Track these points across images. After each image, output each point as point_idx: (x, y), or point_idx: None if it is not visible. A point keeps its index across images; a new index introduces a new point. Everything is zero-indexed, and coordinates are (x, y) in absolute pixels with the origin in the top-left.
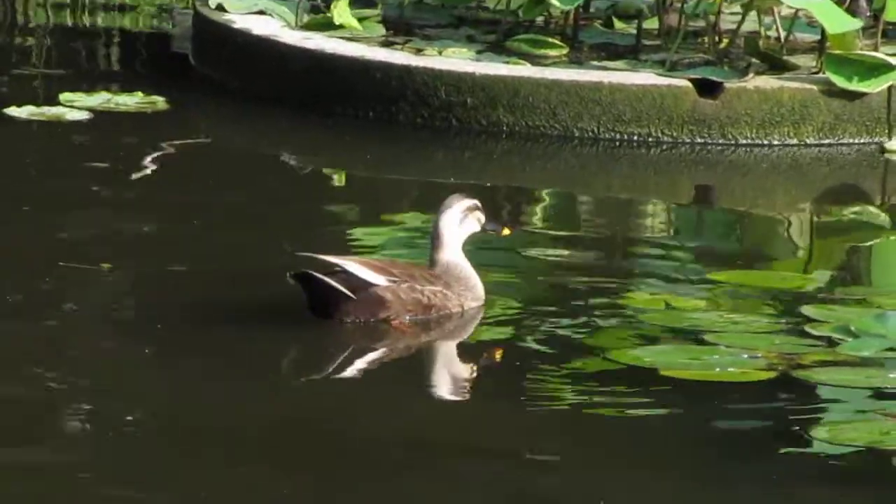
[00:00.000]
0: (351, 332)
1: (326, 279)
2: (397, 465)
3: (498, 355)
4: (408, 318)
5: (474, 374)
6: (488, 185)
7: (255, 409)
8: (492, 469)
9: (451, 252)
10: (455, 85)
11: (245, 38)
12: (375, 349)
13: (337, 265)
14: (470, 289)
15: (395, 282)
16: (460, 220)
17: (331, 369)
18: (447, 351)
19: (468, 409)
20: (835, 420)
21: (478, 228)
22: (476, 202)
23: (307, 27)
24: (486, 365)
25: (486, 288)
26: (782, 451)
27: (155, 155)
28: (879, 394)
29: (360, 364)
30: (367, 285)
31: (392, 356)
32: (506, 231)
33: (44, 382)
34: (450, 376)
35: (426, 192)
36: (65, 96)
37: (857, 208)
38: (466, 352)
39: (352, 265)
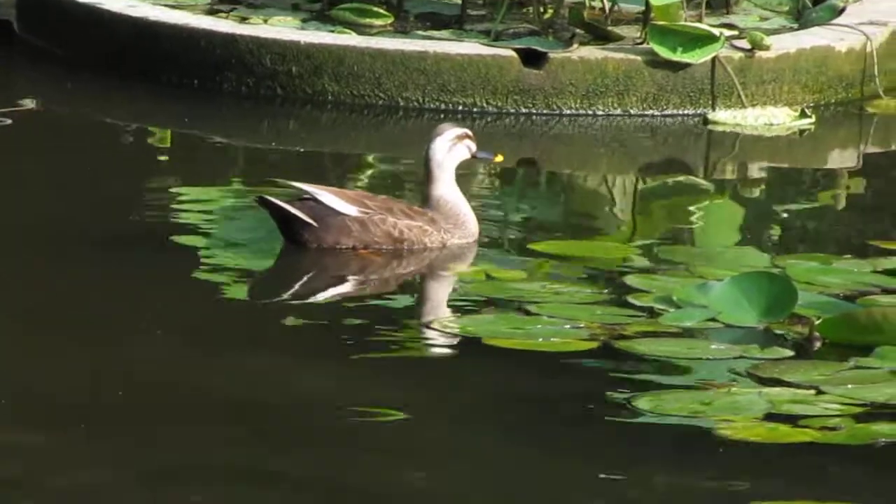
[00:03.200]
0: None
1: (284, 205)
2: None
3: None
4: (381, 248)
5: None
6: (312, 151)
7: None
8: (314, 421)
9: (444, 185)
10: (280, 54)
11: (70, 4)
12: (305, 278)
13: (308, 193)
14: (459, 226)
15: (366, 213)
16: (449, 148)
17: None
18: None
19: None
20: (657, 390)
21: (468, 156)
22: (466, 130)
23: None
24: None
25: None
26: (605, 418)
27: None
28: (701, 364)
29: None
30: (335, 213)
31: (320, 288)
32: (498, 157)
33: None
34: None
35: (251, 160)
36: None
37: (680, 178)
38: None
39: (324, 193)
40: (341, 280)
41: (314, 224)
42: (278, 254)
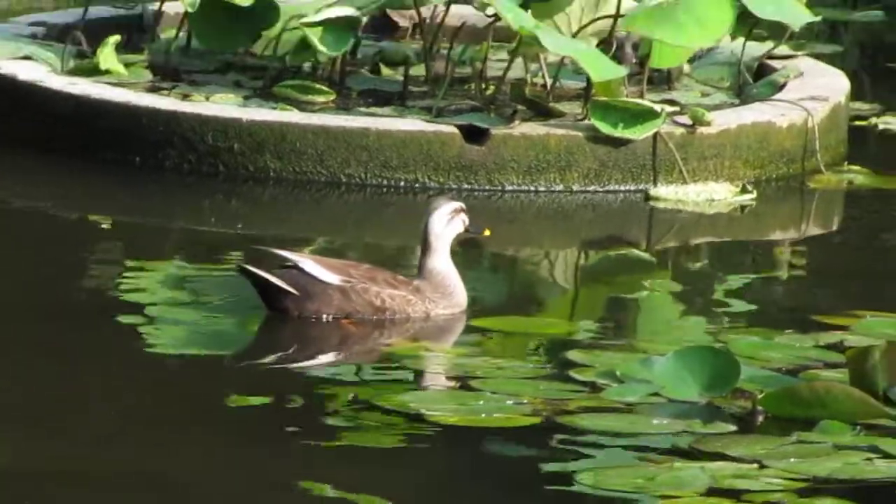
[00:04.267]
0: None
1: (263, 274)
2: None
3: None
4: (363, 318)
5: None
6: (254, 232)
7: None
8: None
9: (439, 257)
10: (222, 130)
11: (10, 83)
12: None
13: (291, 261)
14: (446, 296)
15: (349, 282)
16: (447, 221)
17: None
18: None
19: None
20: (600, 465)
21: (462, 229)
22: (461, 204)
23: (73, 72)
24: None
25: None
26: (548, 494)
27: None
28: (644, 439)
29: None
30: (317, 282)
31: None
32: (486, 232)
33: None
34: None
35: (192, 239)
36: None
37: (622, 254)
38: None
39: (306, 262)
40: (287, 350)
41: (295, 293)
42: (220, 329)
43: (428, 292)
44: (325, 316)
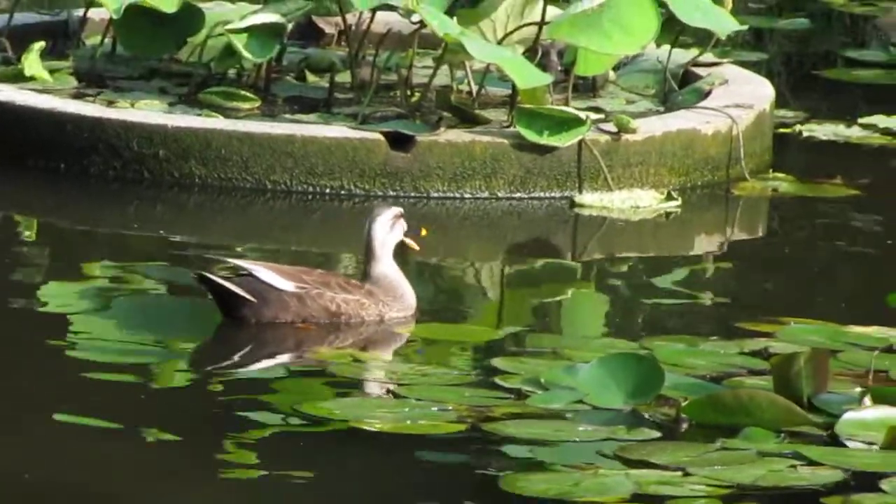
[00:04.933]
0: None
1: (221, 282)
2: None
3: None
4: (319, 322)
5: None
6: (178, 238)
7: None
8: None
9: (383, 263)
10: (147, 137)
11: None
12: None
13: (245, 269)
14: (397, 299)
15: (303, 288)
16: (390, 227)
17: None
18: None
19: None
20: (524, 472)
21: (402, 235)
22: (400, 210)
23: None
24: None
25: None
26: (473, 501)
27: None
28: (569, 446)
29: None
30: (273, 289)
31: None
32: (423, 231)
33: None
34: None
35: (116, 245)
36: None
37: (547, 261)
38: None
39: (260, 270)
40: (211, 355)
41: (253, 300)
42: (143, 336)
43: (380, 296)
44: (281, 321)
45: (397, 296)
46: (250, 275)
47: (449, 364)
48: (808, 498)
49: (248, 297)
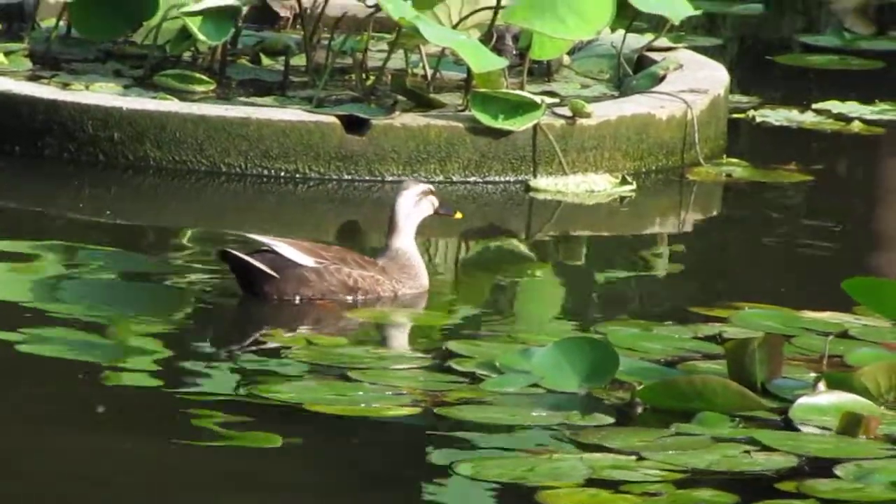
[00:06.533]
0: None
1: (245, 257)
2: None
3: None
4: (337, 297)
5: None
6: (132, 221)
7: None
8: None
9: (403, 238)
10: (102, 119)
11: None
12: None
13: (266, 245)
14: (412, 277)
15: (322, 264)
16: (416, 202)
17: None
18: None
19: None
20: (478, 456)
21: (431, 212)
22: (430, 186)
23: None
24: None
25: None
26: (426, 485)
27: None
28: (523, 430)
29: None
30: (293, 265)
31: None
32: (458, 214)
33: None
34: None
35: (70, 228)
36: None
37: (501, 245)
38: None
39: (281, 246)
40: (164, 338)
41: (275, 275)
42: (95, 319)
43: (394, 273)
44: (298, 298)
45: (412, 274)
46: (271, 250)
47: (403, 348)
48: (762, 483)
49: (270, 272)
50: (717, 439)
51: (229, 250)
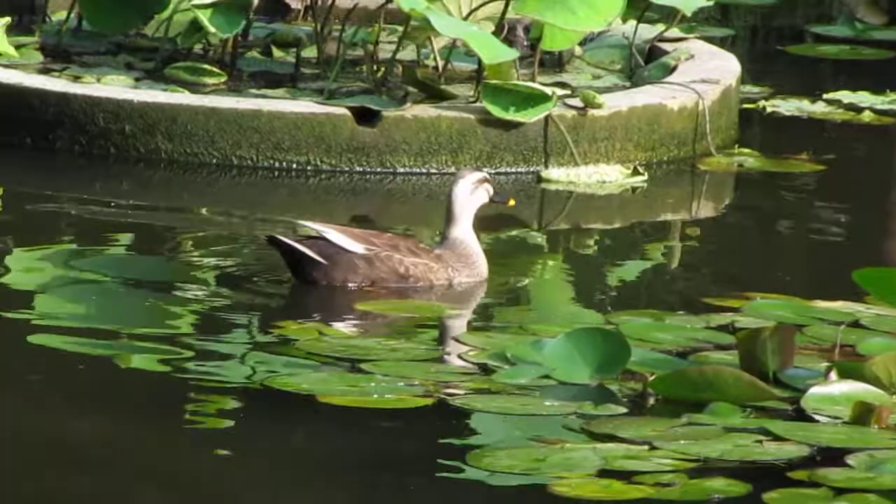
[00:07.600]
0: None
1: (293, 243)
2: None
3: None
4: (389, 284)
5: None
6: (145, 213)
7: None
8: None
9: (461, 227)
10: (113, 112)
11: None
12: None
13: (317, 231)
14: (469, 266)
15: (372, 251)
16: (472, 191)
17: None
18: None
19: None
20: (491, 447)
21: (486, 200)
22: (485, 174)
23: None
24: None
25: None
26: (440, 476)
27: None
28: (535, 421)
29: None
30: (343, 251)
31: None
32: (511, 202)
33: None
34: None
35: (83, 221)
36: None
37: (514, 236)
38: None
39: (331, 232)
40: (178, 330)
41: (324, 262)
42: (110, 310)
43: (451, 261)
44: (350, 284)
45: (469, 262)
46: (321, 237)
47: (415, 339)
48: (774, 472)
49: (319, 259)
50: (729, 429)
51: (277, 236)
